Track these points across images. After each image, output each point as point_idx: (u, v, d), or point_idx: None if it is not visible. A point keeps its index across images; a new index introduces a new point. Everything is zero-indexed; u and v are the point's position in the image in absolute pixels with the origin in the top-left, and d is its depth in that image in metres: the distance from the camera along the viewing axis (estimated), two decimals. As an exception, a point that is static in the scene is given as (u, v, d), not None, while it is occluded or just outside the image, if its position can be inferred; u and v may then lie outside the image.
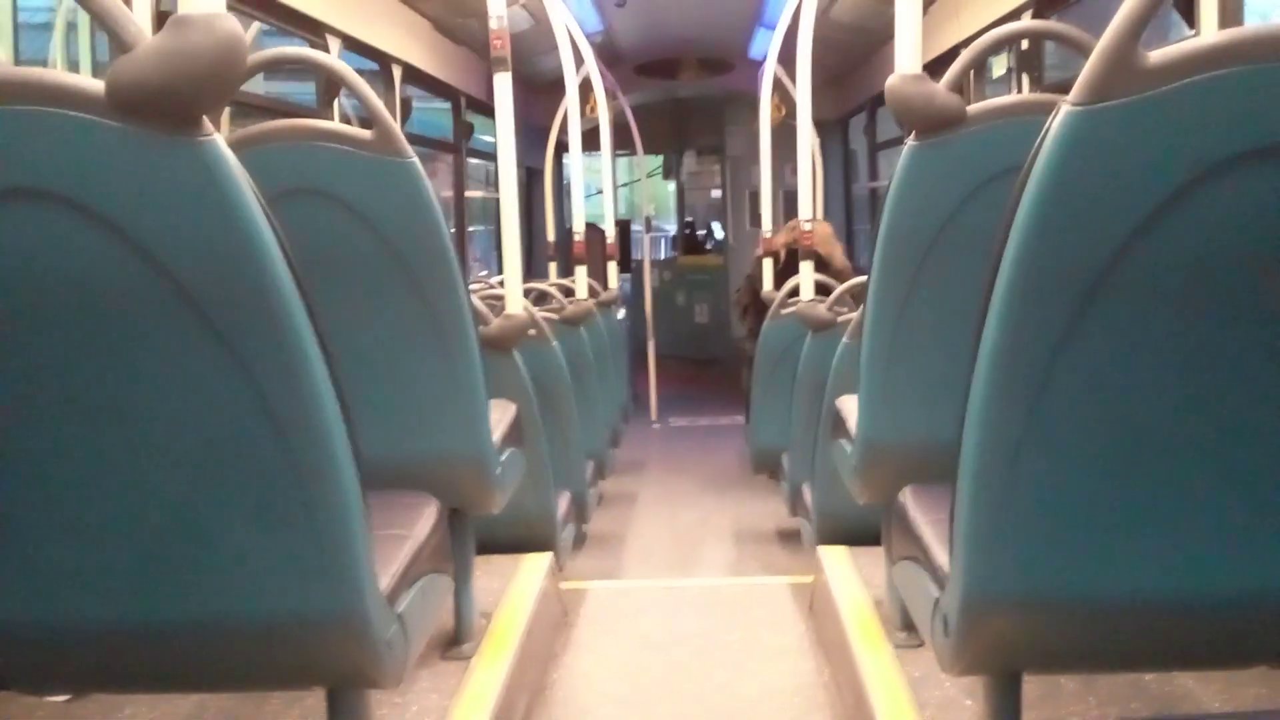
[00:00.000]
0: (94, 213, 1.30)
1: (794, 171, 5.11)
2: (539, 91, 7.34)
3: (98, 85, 1.27)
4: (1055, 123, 1.31)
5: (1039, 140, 1.33)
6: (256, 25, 3.61)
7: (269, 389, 1.38)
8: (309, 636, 1.53)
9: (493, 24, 3.16)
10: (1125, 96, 1.27)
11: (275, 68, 2.55)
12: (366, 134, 2.22)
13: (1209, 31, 2.42)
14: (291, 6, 3.65)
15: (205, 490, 1.44)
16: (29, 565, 1.47)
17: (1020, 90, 4.06)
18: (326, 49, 3.94)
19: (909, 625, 2.66)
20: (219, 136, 1.30)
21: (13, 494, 1.44)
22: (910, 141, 2.11)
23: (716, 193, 11.52)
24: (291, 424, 1.40)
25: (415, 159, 2.24)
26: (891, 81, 2.10)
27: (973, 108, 2.09)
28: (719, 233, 11.38)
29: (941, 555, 1.67)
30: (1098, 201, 1.31)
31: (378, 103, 2.24)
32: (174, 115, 1.26)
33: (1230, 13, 2.59)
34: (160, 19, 2.79)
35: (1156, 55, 1.27)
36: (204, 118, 1.28)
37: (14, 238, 1.32)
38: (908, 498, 1.99)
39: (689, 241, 11.52)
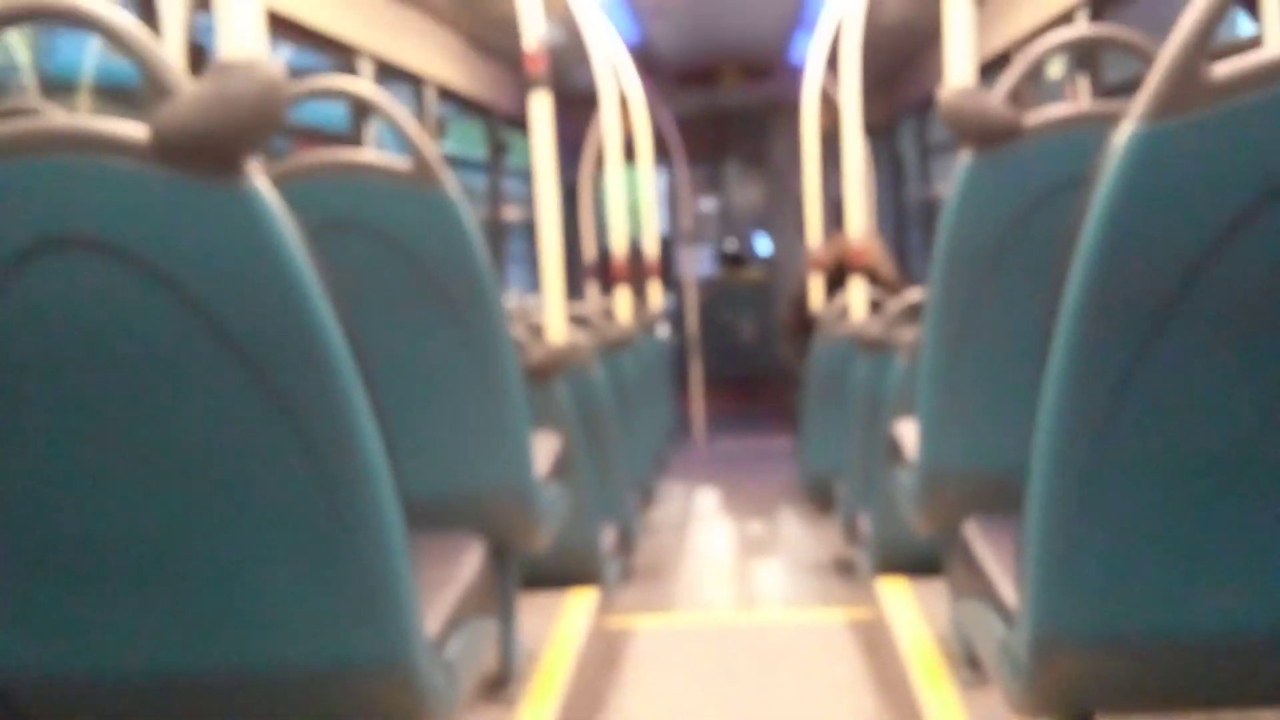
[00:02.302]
0: (138, 259, 1.30)
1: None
2: (575, 104, 7.25)
3: (141, 132, 1.28)
4: (1119, 141, 1.25)
5: (1102, 159, 1.27)
6: (286, 53, 3.58)
7: (312, 432, 1.36)
8: (353, 686, 1.49)
9: (530, 45, 3.10)
10: (1192, 112, 1.21)
11: (311, 99, 2.53)
12: (404, 165, 2.18)
13: (1274, 39, 2.31)
14: (323, 31, 3.62)
15: (247, 535, 1.41)
16: (62, 614, 1.44)
17: (1076, 94, 3.94)
18: (356, 72, 3.91)
19: (974, 662, 2.54)
20: (261, 179, 1.31)
21: (47, 541, 1.42)
22: (966, 154, 2.04)
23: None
24: (335, 467, 1.37)
25: (453, 189, 2.19)
26: (943, 95, 2.03)
27: (1030, 118, 2.02)
28: (761, 248, 11.13)
29: (1009, 591, 1.59)
30: (1166, 221, 1.25)
31: (415, 132, 2.19)
32: (218, 160, 1.28)
33: None
34: (191, 51, 2.76)
35: (1223, 68, 1.21)
36: (246, 161, 1.30)
37: (59, 287, 1.33)
38: (972, 529, 1.90)
39: (727, 258, 11.33)
